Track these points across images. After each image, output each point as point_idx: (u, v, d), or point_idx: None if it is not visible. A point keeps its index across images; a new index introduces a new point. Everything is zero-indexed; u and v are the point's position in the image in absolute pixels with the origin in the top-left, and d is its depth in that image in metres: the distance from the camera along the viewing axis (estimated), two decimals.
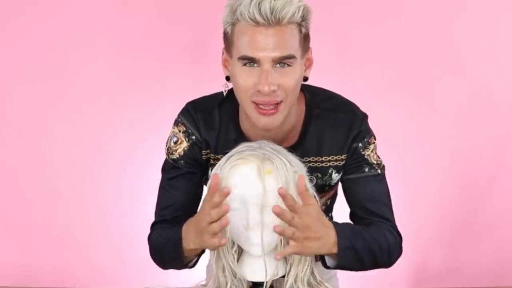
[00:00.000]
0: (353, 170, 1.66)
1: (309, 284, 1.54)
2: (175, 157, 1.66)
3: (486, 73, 2.88)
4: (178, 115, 1.68)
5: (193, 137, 1.65)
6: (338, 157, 1.64)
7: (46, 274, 2.84)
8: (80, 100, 2.91)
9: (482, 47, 2.87)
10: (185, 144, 1.66)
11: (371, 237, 1.56)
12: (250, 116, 1.53)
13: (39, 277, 2.81)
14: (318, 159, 1.64)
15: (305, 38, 1.52)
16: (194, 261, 1.62)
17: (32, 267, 2.89)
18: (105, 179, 2.94)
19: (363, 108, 1.69)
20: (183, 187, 1.67)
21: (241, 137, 1.62)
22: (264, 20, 1.43)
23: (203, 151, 1.66)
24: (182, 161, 1.66)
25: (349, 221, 1.68)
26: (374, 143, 1.67)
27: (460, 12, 2.86)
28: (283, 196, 1.38)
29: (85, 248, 2.94)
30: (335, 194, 1.83)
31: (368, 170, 1.66)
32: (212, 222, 1.41)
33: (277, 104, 1.49)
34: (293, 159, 1.51)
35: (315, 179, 1.65)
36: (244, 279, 1.56)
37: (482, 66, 2.87)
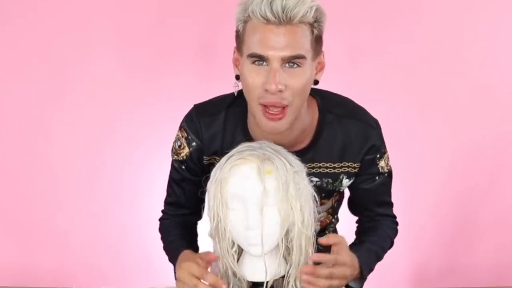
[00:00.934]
0: (366, 180, 1.69)
1: None
2: (179, 159, 1.70)
3: (487, 74, 2.87)
4: (183, 119, 1.69)
5: (194, 143, 1.66)
6: (351, 164, 1.65)
7: (45, 275, 2.84)
8: (80, 101, 2.91)
9: (484, 50, 2.86)
10: (187, 150, 1.68)
11: (381, 248, 1.68)
12: (257, 119, 1.52)
13: (39, 277, 2.81)
14: (330, 165, 1.64)
15: (317, 40, 1.50)
16: None
17: (31, 268, 2.89)
18: (104, 180, 2.94)
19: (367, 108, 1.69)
20: (186, 189, 1.73)
21: (246, 139, 1.61)
22: (275, 18, 1.42)
23: (205, 157, 1.67)
24: (184, 165, 1.69)
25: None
26: (386, 152, 1.69)
27: (467, 16, 2.86)
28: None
29: (85, 249, 2.93)
30: (342, 197, 1.84)
31: (378, 178, 1.70)
32: None
33: (283, 108, 1.48)
34: (293, 159, 1.51)
35: (325, 183, 1.66)
36: (244, 279, 1.56)
37: (484, 68, 2.87)
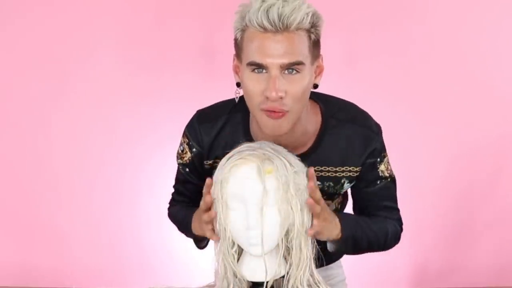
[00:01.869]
0: (368, 183, 1.69)
1: (308, 284, 1.54)
2: (183, 163, 1.73)
3: (486, 75, 2.87)
4: (186, 126, 1.71)
5: (194, 149, 1.68)
6: (352, 169, 1.65)
7: (45, 274, 2.84)
8: (80, 101, 2.91)
9: (484, 51, 2.86)
10: (189, 155, 1.70)
11: (371, 229, 1.64)
12: (259, 122, 1.53)
13: (39, 277, 2.81)
14: (332, 168, 1.64)
15: (315, 45, 1.50)
16: (205, 242, 1.71)
17: (31, 267, 2.89)
18: (104, 180, 2.94)
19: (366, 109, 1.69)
20: (191, 190, 1.77)
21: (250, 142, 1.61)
22: (272, 26, 1.42)
23: (206, 161, 1.69)
24: (188, 168, 1.73)
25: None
26: (386, 156, 1.69)
27: (465, 18, 2.86)
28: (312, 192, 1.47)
29: (84, 249, 2.94)
30: (346, 200, 1.85)
31: (380, 182, 1.69)
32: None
33: (284, 112, 1.48)
34: (293, 159, 1.50)
35: (326, 187, 1.66)
36: (244, 279, 1.56)
37: (483, 69, 2.87)
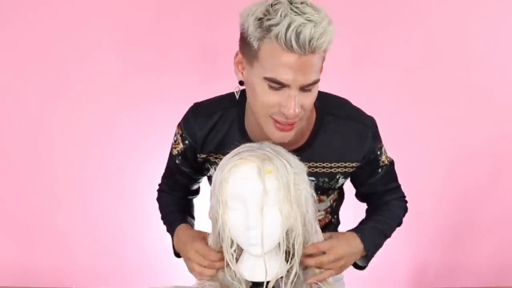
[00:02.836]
0: (370, 175, 1.73)
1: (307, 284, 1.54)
2: (174, 153, 1.75)
3: (486, 76, 2.87)
4: (182, 118, 1.71)
5: (187, 141, 1.69)
6: (348, 164, 1.66)
7: (45, 274, 2.84)
8: (79, 101, 2.91)
9: (485, 53, 2.86)
10: (181, 146, 1.72)
11: (387, 225, 1.72)
12: (265, 128, 1.52)
13: (39, 277, 2.81)
14: (327, 164, 1.65)
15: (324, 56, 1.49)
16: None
17: (31, 267, 2.90)
18: (104, 181, 2.94)
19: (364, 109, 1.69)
20: (179, 180, 1.82)
21: (244, 139, 1.62)
22: (301, 49, 1.38)
23: (199, 154, 1.70)
24: (179, 158, 1.75)
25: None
26: (383, 146, 1.71)
27: (468, 21, 2.85)
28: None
29: (84, 249, 2.94)
30: (342, 197, 1.86)
31: (381, 171, 1.73)
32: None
33: (294, 122, 1.49)
34: (293, 160, 1.50)
35: (321, 182, 1.67)
36: (243, 279, 1.56)
37: (484, 70, 2.87)
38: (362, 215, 1.82)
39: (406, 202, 1.81)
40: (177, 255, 1.75)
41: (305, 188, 1.49)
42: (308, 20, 1.36)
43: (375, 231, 1.68)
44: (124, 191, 2.92)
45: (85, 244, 2.94)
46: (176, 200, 1.83)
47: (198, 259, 1.56)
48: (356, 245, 1.61)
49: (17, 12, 2.85)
